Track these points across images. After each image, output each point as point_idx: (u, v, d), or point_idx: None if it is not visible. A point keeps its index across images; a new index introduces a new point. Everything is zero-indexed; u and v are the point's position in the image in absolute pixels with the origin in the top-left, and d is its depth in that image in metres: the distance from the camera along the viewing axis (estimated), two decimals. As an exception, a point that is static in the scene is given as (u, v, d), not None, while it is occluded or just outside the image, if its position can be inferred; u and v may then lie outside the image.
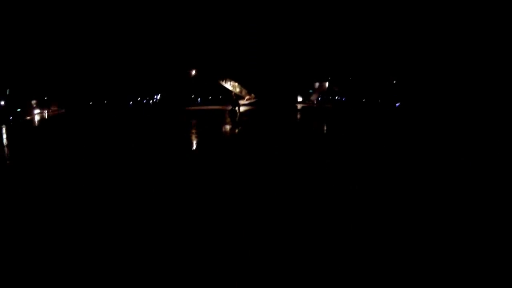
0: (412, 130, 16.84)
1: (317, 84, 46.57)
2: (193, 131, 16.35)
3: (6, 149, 11.09)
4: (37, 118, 23.35)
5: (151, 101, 36.91)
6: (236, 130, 16.32)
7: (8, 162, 8.99)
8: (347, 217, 4.83)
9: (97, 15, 32.02)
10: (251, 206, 5.36)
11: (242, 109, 28.68)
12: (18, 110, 23.00)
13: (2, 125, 18.22)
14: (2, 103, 23.53)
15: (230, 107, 25.26)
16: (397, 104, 32.36)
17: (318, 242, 4.03)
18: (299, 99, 44.59)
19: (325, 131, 16.82)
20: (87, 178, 7.16)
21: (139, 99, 35.43)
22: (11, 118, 21.41)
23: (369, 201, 5.50)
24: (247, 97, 40.63)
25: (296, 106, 37.32)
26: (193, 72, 38.97)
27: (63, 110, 27.55)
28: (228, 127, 17.78)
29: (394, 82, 36.33)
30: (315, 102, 43.60)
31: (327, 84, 45.94)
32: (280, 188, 6.38)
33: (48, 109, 26.43)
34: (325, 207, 5.33)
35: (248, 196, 5.87)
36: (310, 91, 46.59)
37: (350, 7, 38.27)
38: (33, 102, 25.34)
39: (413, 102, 30.49)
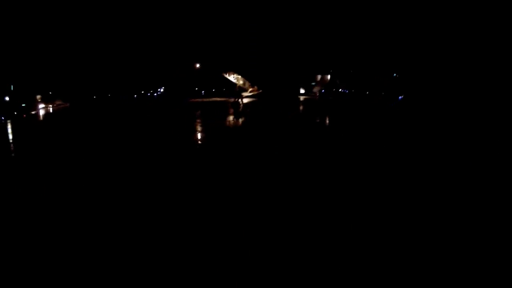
0: (415, 124, 16.63)
1: (319, 77, 46.48)
2: (198, 121, 16.48)
3: (8, 143, 11.24)
4: (41, 112, 23.54)
5: (155, 94, 37.11)
6: (240, 121, 16.43)
7: (12, 155, 9.12)
8: (343, 214, 4.86)
9: (101, 10, 32.11)
10: (250, 198, 5.37)
11: (245, 100, 28.77)
12: (23, 105, 23.20)
13: (7, 120, 18.40)
14: (7, 98, 23.72)
15: (233, 99, 25.44)
16: (400, 97, 32.12)
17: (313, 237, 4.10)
18: (302, 91, 44.59)
19: (326, 124, 16.84)
20: (94, 172, 7.24)
21: (143, 92, 35.63)
22: (15, 113, 21.58)
23: (366, 199, 5.45)
24: (250, 89, 40.61)
25: (299, 98, 37.36)
26: (197, 65, 39.09)
27: (68, 104, 27.75)
28: (231, 117, 17.89)
29: (395, 75, 36.19)
30: (317, 94, 43.50)
31: (329, 76, 45.85)
32: (278, 180, 6.38)
33: (53, 103, 26.64)
34: (318, 201, 5.28)
35: (246, 188, 5.88)
36: (313, 83, 46.53)
37: (352, 1, 38.12)
38: (38, 97, 25.54)
39: (416, 95, 30.28)
